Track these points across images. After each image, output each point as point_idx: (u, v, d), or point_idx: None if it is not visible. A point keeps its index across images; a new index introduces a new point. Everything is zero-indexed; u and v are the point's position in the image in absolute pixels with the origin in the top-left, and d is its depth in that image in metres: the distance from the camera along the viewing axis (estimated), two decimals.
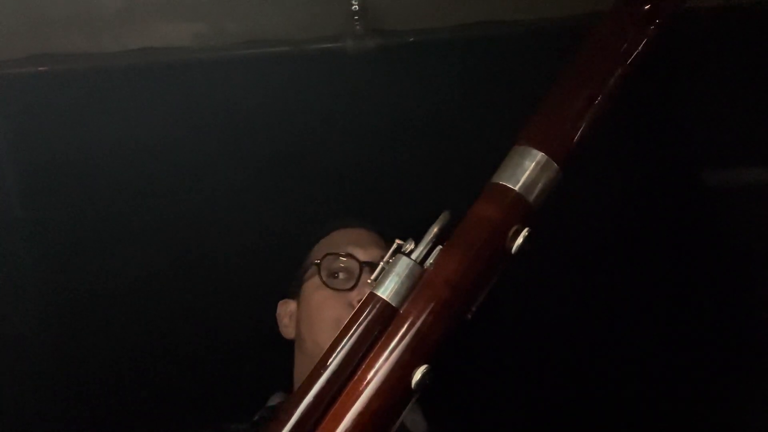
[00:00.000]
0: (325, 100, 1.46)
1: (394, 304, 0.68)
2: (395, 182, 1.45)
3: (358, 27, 1.40)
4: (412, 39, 1.46)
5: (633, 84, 0.75)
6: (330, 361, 0.67)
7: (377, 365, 0.66)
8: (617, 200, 1.41)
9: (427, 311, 0.67)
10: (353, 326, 0.68)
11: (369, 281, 0.72)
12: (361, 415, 0.64)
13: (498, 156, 0.74)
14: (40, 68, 1.42)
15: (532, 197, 0.70)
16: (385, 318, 0.67)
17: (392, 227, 0.87)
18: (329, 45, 1.45)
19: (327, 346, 0.68)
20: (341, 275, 1.14)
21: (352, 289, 1.11)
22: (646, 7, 0.75)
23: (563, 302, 1.38)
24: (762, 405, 1.33)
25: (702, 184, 1.47)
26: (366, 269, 1.11)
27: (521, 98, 0.83)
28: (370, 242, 1.16)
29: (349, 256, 1.14)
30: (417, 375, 0.65)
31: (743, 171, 1.47)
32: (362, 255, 1.13)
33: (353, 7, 1.36)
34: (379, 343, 0.67)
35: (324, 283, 1.13)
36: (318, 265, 1.15)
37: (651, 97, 1.40)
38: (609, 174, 1.38)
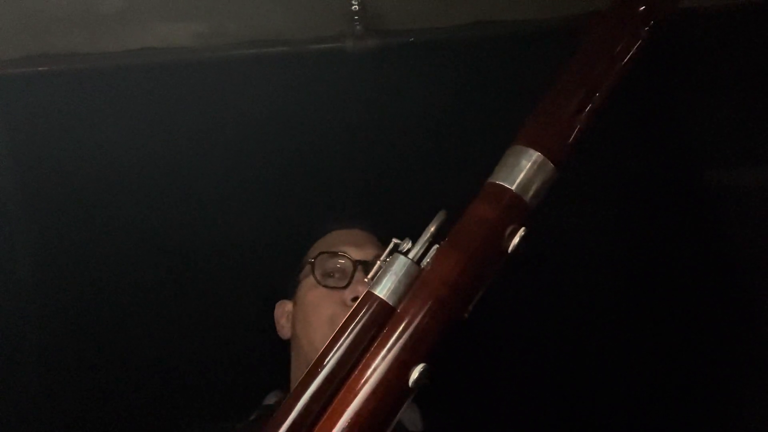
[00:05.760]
0: (325, 100, 1.47)
1: (391, 303, 0.68)
2: (393, 182, 1.45)
3: (358, 27, 1.40)
4: (412, 39, 1.46)
5: (630, 83, 0.76)
6: (327, 359, 0.67)
7: (375, 364, 0.66)
8: (613, 199, 1.41)
9: (425, 310, 0.67)
10: (350, 325, 0.68)
11: (366, 280, 0.72)
12: (358, 413, 0.64)
13: (496, 156, 0.74)
14: (40, 68, 1.43)
15: (528, 197, 0.71)
16: (383, 317, 0.68)
17: (390, 226, 0.88)
18: (329, 45, 1.45)
19: (321, 344, 0.68)
20: (335, 274, 1.15)
21: (345, 287, 1.12)
22: (641, 8, 0.75)
23: (560, 301, 1.38)
24: (762, 405, 1.33)
25: (699, 183, 1.47)
26: (360, 268, 1.12)
27: (520, 98, 0.83)
28: (365, 242, 1.17)
29: (343, 254, 1.15)
30: (414, 373, 0.65)
31: (743, 171, 1.47)
32: (356, 254, 1.14)
33: (353, 7, 1.36)
34: (377, 342, 0.67)
35: (318, 281, 1.14)
36: (312, 264, 1.16)
37: (648, 96, 1.40)
38: (605, 173, 1.39)
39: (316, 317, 1.12)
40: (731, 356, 1.36)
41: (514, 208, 0.70)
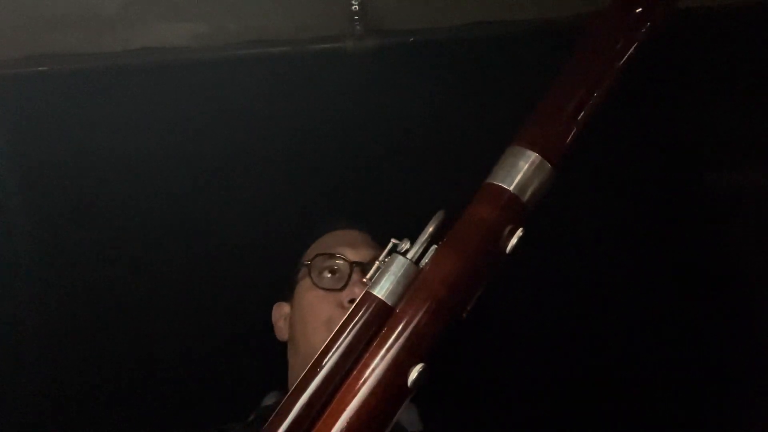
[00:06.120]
0: (325, 100, 1.47)
1: (389, 303, 0.68)
2: (392, 182, 1.46)
3: (358, 27, 1.40)
4: (412, 39, 1.46)
5: (628, 84, 0.76)
6: (326, 359, 0.67)
7: (373, 364, 0.66)
8: (613, 200, 1.41)
9: (423, 310, 0.67)
10: (349, 325, 0.68)
11: (364, 280, 0.72)
12: (357, 413, 0.64)
13: (495, 156, 0.74)
14: (40, 68, 1.43)
15: (526, 197, 0.71)
16: (381, 317, 0.68)
17: (388, 226, 0.88)
18: (329, 45, 1.45)
19: (319, 345, 0.68)
20: (332, 275, 1.14)
21: (342, 288, 1.11)
22: (638, 10, 0.76)
23: (557, 302, 1.38)
24: (762, 405, 1.33)
25: (699, 183, 1.47)
26: (356, 269, 1.12)
27: (520, 98, 0.83)
28: (361, 243, 1.17)
29: (340, 256, 1.15)
30: (413, 373, 0.65)
31: (743, 171, 1.47)
32: (352, 255, 1.14)
33: (353, 7, 1.36)
34: (376, 342, 0.67)
35: (314, 283, 1.14)
36: (309, 265, 1.16)
37: (648, 96, 1.40)
38: (603, 174, 1.39)
39: (313, 319, 1.12)
40: (731, 356, 1.36)
41: (512, 208, 0.70)
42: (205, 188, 1.47)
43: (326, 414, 0.65)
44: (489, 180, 0.72)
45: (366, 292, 0.69)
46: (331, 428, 0.64)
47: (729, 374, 1.36)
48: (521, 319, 1.37)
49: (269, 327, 1.24)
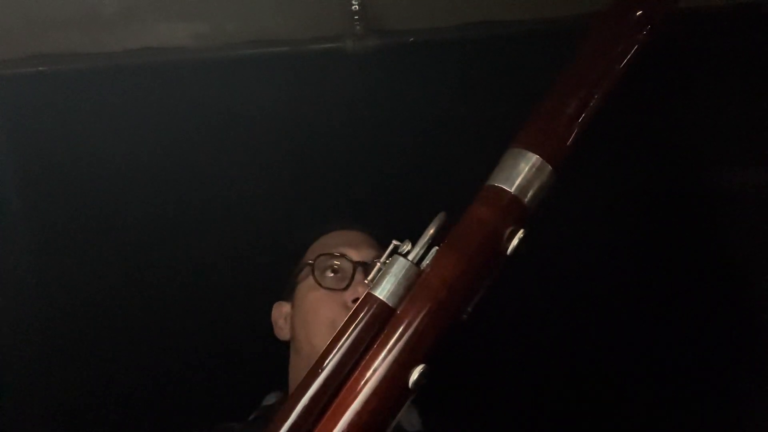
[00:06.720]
0: (325, 100, 1.47)
1: (391, 305, 0.68)
2: (393, 183, 1.46)
3: (358, 27, 1.40)
4: (412, 39, 1.46)
5: (630, 84, 0.76)
6: (328, 360, 0.67)
7: (375, 365, 0.66)
8: (613, 200, 1.41)
9: (424, 312, 0.67)
10: (351, 326, 0.68)
11: (366, 281, 0.72)
12: (358, 413, 0.65)
13: (496, 157, 0.74)
14: (40, 68, 1.42)
15: (527, 199, 0.71)
16: (383, 318, 0.68)
17: (389, 228, 0.88)
18: (329, 45, 1.45)
19: (322, 346, 0.69)
20: (335, 275, 1.15)
21: (345, 289, 1.12)
22: (638, 12, 0.76)
23: (558, 303, 1.38)
24: (762, 405, 1.33)
25: (699, 185, 1.47)
26: (359, 269, 1.12)
27: (520, 99, 0.83)
28: (363, 243, 1.18)
29: (342, 256, 1.15)
30: (414, 374, 0.66)
31: (743, 171, 1.47)
32: (355, 255, 1.14)
33: (353, 7, 1.36)
34: (377, 343, 0.67)
35: (318, 282, 1.14)
36: (312, 265, 1.16)
37: (648, 96, 1.40)
38: (604, 176, 1.39)
39: (315, 318, 1.12)
40: (732, 357, 1.36)
41: (512, 210, 0.70)
42: (205, 188, 1.47)
43: (328, 415, 0.66)
44: (490, 182, 0.72)
45: (367, 293, 0.70)
46: (332, 429, 0.65)
47: (729, 374, 1.36)
48: (522, 321, 1.38)
49: (269, 327, 1.24)
